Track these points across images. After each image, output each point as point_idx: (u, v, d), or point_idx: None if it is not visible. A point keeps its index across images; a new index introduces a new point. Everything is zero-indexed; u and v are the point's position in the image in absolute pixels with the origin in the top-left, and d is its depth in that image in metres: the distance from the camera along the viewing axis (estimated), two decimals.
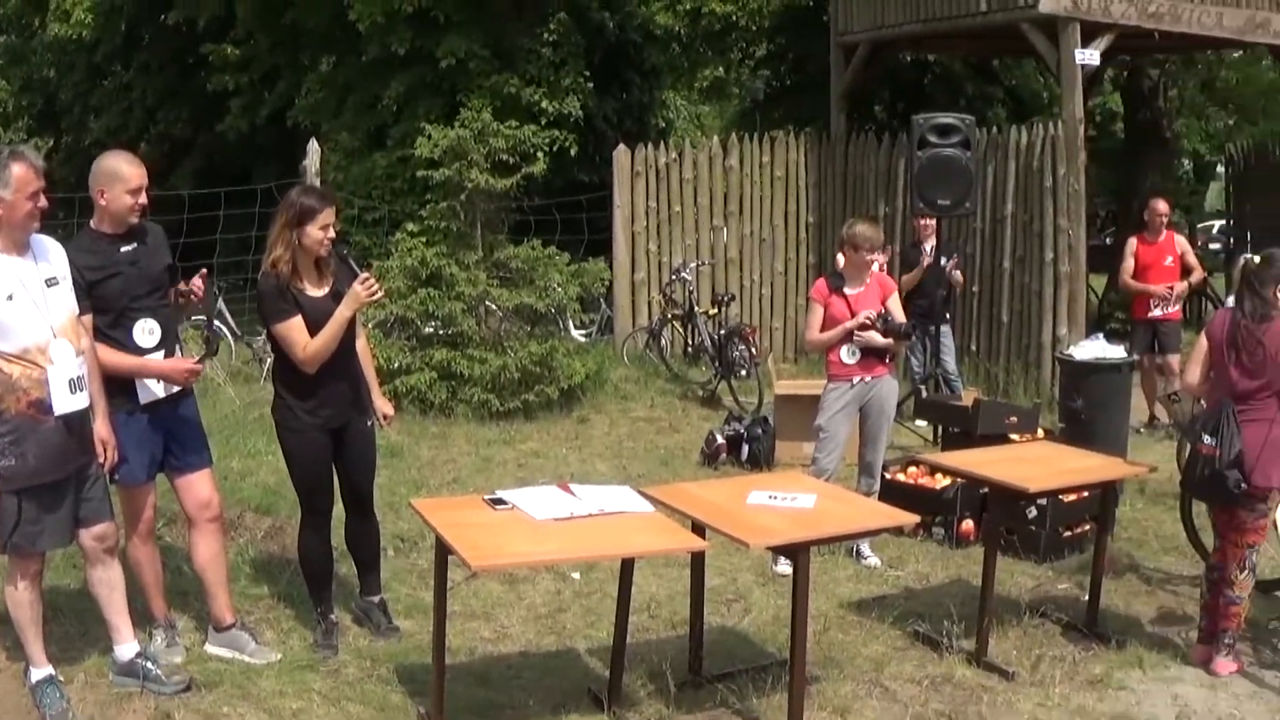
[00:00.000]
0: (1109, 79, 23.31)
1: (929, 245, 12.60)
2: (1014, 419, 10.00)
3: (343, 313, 6.51)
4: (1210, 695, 6.60)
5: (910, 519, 6.45)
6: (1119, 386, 9.56)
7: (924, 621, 7.38)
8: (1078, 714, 6.34)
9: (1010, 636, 7.24)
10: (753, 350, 13.99)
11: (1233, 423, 6.61)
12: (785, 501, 6.24)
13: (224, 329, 14.80)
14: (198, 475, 6.55)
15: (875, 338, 8.33)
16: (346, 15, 18.75)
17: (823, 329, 8.48)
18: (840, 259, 8.72)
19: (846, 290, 8.47)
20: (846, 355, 8.39)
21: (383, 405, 7.14)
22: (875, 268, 8.88)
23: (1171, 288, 12.49)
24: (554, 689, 6.46)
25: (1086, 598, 7.53)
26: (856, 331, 8.30)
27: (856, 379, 8.43)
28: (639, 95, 21.76)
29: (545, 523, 5.72)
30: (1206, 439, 6.67)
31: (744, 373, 13.91)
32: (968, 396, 11.22)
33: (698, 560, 6.59)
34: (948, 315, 12.92)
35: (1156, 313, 12.52)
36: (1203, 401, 7.20)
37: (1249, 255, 7.22)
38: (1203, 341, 6.97)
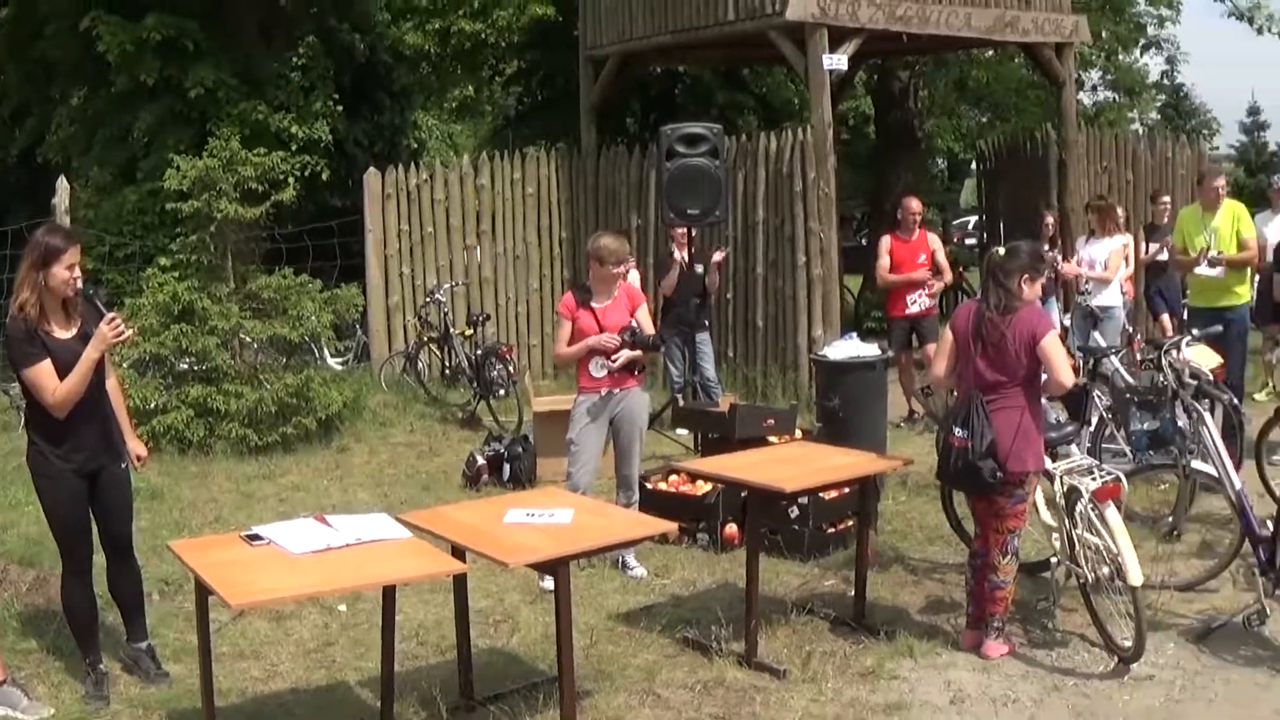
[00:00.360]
0: (861, 82, 23.92)
1: (682, 254, 12.78)
2: (771, 421, 10.19)
3: (90, 354, 6.42)
4: (983, 678, 6.84)
5: (668, 527, 6.59)
6: (874, 384, 9.77)
7: (693, 627, 7.49)
8: (851, 707, 6.50)
9: (779, 636, 7.39)
10: (510, 369, 14.03)
11: (982, 413, 6.87)
12: (543, 518, 6.31)
13: None
14: None
15: (624, 355, 8.40)
16: (95, 46, 18.25)
17: (571, 343, 8.50)
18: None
19: (594, 304, 8.54)
20: (595, 369, 8.46)
21: (136, 446, 7.05)
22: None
23: (932, 272, 12.84)
24: None
25: (853, 592, 7.74)
26: (607, 360, 8.36)
27: (605, 391, 8.50)
28: (390, 117, 21.61)
29: (303, 556, 5.69)
30: (958, 431, 6.92)
31: (502, 392, 13.95)
32: (725, 402, 11.42)
33: (460, 583, 6.60)
34: (705, 322, 13.12)
35: (913, 309, 12.89)
36: (954, 393, 7.44)
37: (996, 248, 7.49)
38: (948, 335, 7.23)
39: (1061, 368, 6.90)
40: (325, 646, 7.51)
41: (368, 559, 5.71)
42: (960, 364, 7.12)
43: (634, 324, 8.46)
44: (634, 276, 13.04)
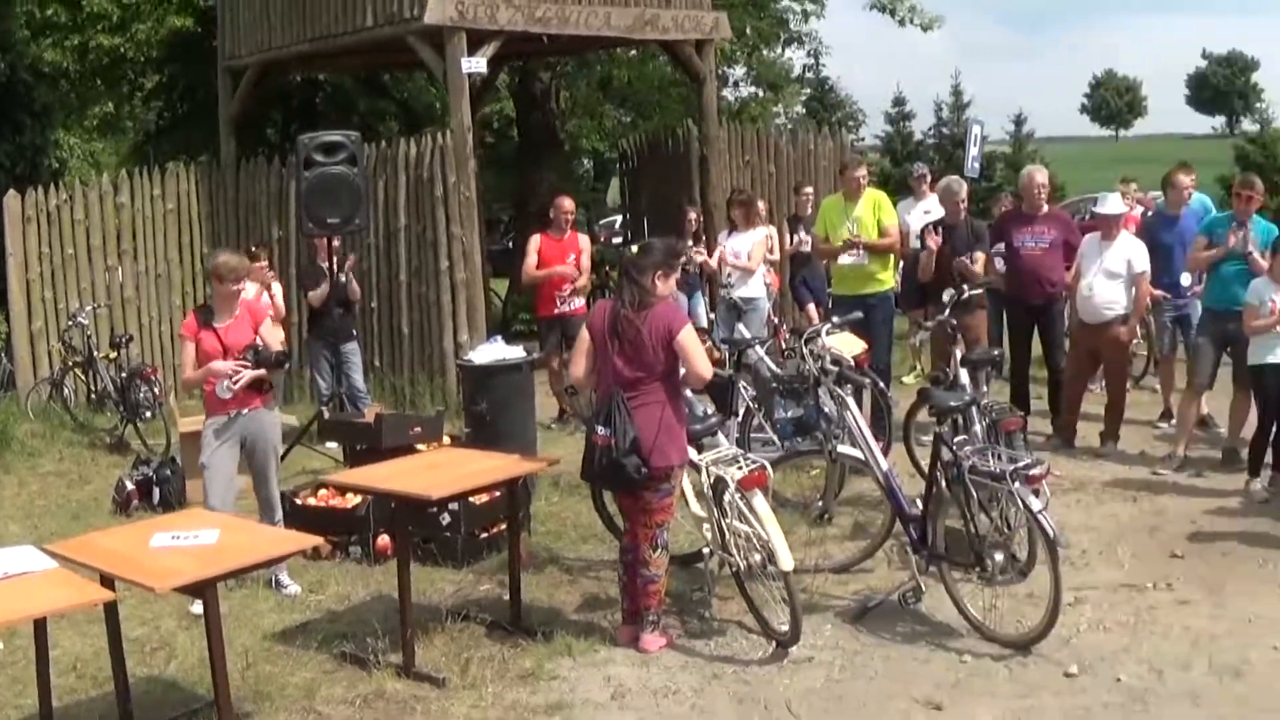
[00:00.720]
0: (503, 85, 24.10)
1: (327, 264, 12.75)
2: (418, 429, 10.21)
3: None
4: (643, 672, 7.00)
5: (313, 541, 6.60)
6: (520, 386, 9.97)
7: (350, 641, 7.47)
8: (512, 710, 6.59)
9: (437, 644, 7.43)
10: (156, 390, 13.71)
11: (624, 411, 7.01)
12: (188, 540, 6.24)
13: None
14: None
15: (246, 375, 8.26)
16: None
17: (197, 364, 8.38)
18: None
19: (216, 323, 8.39)
20: (220, 390, 8.28)
21: None
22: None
23: (580, 269, 13.07)
24: None
25: (508, 595, 7.81)
26: (230, 382, 8.23)
27: (233, 412, 8.34)
28: (32, 137, 20.73)
29: None
30: (600, 429, 7.05)
31: (149, 414, 13.61)
32: (370, 412, 11.43)
33: (111, 612, 6.42)
34: (353, 332, 13.11)
35: (563, 309, 13.01)
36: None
37: (630, 246, 7.71)
38: (584, 334, 7.35)
39: (698, 361, 7.09)
40: None
41: (13, 593, 5.56)
42: (599, 362, 7.24)
43: (257, 341, 8.34)
44: (276, 289, 12.97)
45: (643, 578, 7.27)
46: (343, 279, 12.59)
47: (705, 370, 7.17)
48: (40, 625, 6.04)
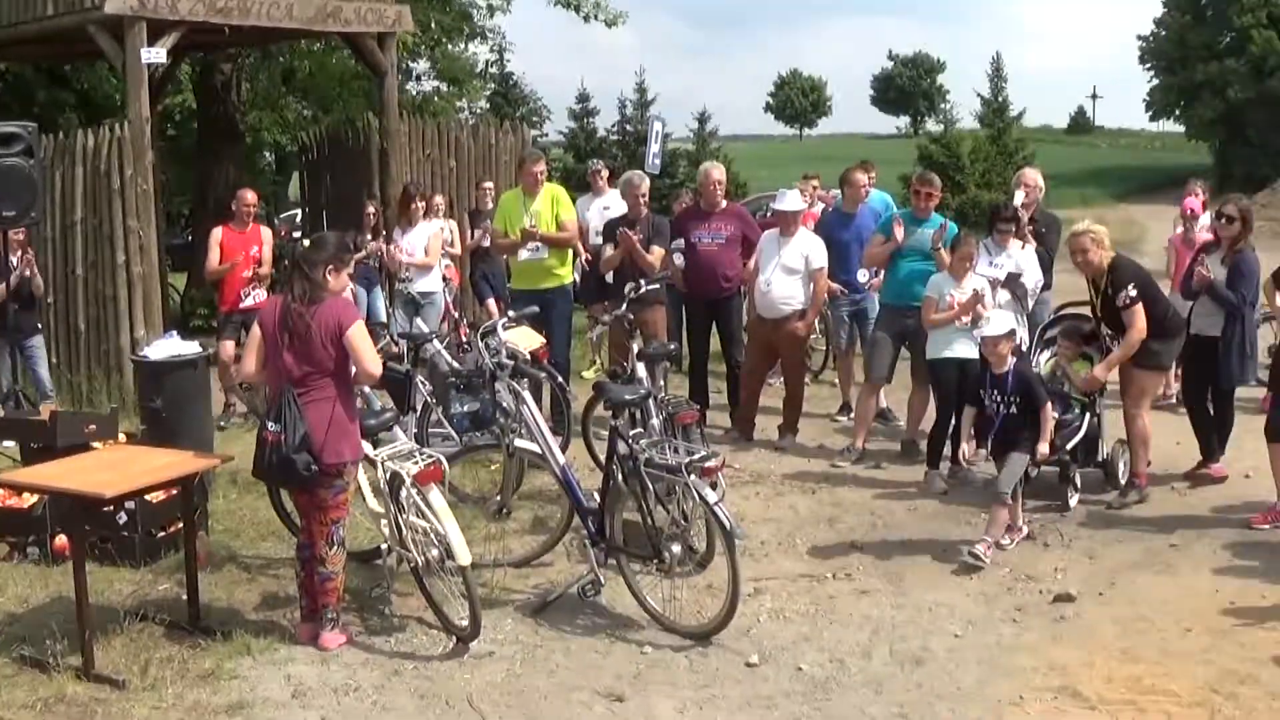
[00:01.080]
0: (186, 76, 23.63)
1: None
2: (93, 427, 9.99)
3: None
4: (323, 669, 7.07)
5: None
6: (196, 382, 9.85)
7: (28, 644, 7.35)
8: (193, 710, 6.60)
9: (116, 645, 7.37)
10: None
11: (294, 407, 7.04)
12: None
13: None
14: None
15: None
16: None
17: None
18: None
19: None
20: None
21: None
22: None
23: (259, 262, 13.03)
24: None
25: (186, 595, 7.79)
26: None
27: None
28: None
29: None
30: (271, 425, 7.06)
31: None
32: (45, 410, 11.19)
33: None
34: (38, 326, 12.87)
35: (247, 302, 12.92)
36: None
37: (301, 240, 7.74)
38: (255, 330, 7.32)
39: (367, 357, 7.15)
40: None
41: None
42: (270, 358, 7.22)
43: None
44: None
45: (320, 575, 7.34)
46: (26, 273, 12.33)
47: (374, 367, 7.23)
48: None
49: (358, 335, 7.15)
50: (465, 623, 7.26)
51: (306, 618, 7.48)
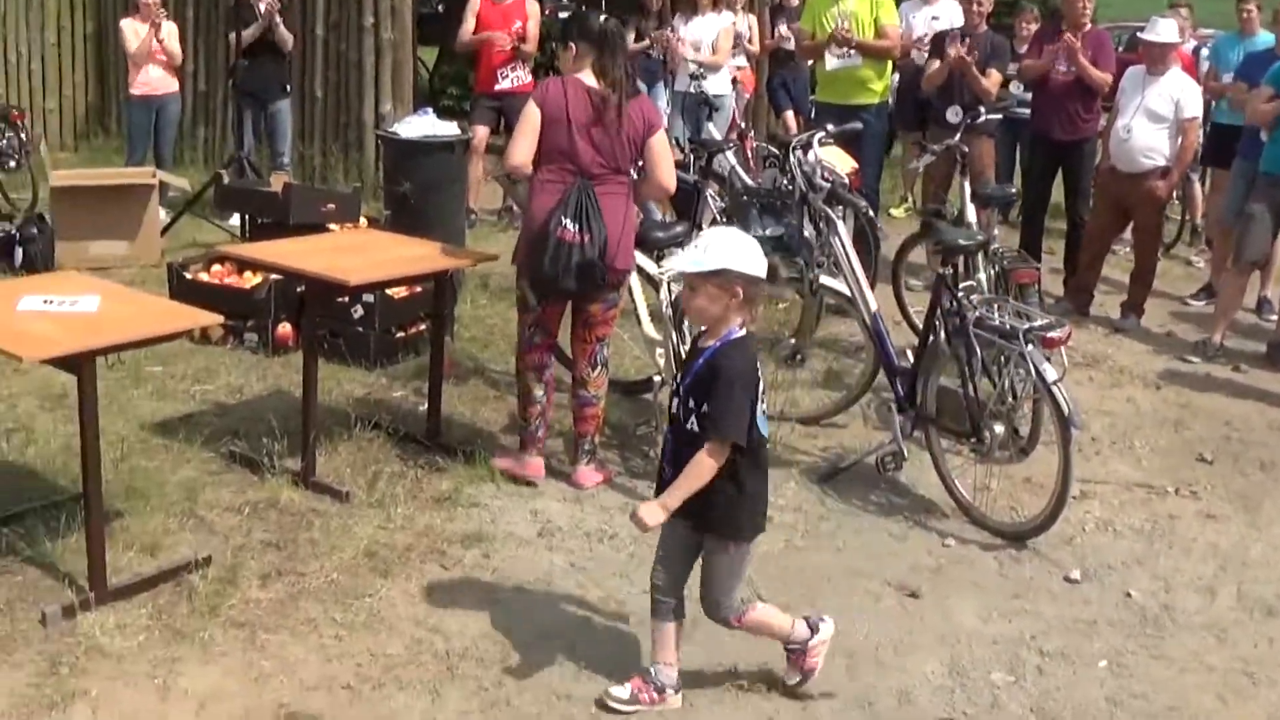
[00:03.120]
0: None
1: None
2: (332, 206, 10.03)
3: None
4: (575, 510, 6.93)
5: (212, 319, 6.37)
6: (451, 168, 9.73)
7: (241, 440, 7.38)
8: (425, 536, 6.51)
9: (341, 453, 7.35)
10: (22, 136, 13.44)
11: (595, 204, 6.82)
12: (63, 306, 6.00)
13: None
14: None
15: None
16: None
17: None
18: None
19: None
20: None
21: None
22: None
23: (522, 38, 12.76)
24: None
25: (426, 406, 7.72)
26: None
27: None
28: None
29: None
30: (568, 223, 6.81)
31: (13, 164, 13.38)
32: (278, 181, 11.20)
33: None
34: (287, 87, 12.96)
35: (504, 85, 12.75)
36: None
37: (603, 16, 7.41)
38: (533, 113, 6.91)
39: (667, 168, 7.00)
40: None
41: None
42: (556, 147, 6.89)
43: None
44: (169, 29, 12.66)
45: (580, 398, 7.20)
46: (277, 20, 12.36)
47: (671, 180, 7.06)
48: None
49: (662, 141, 6.97)
50: None
51: (525, 445, 7.28)
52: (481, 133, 12.60)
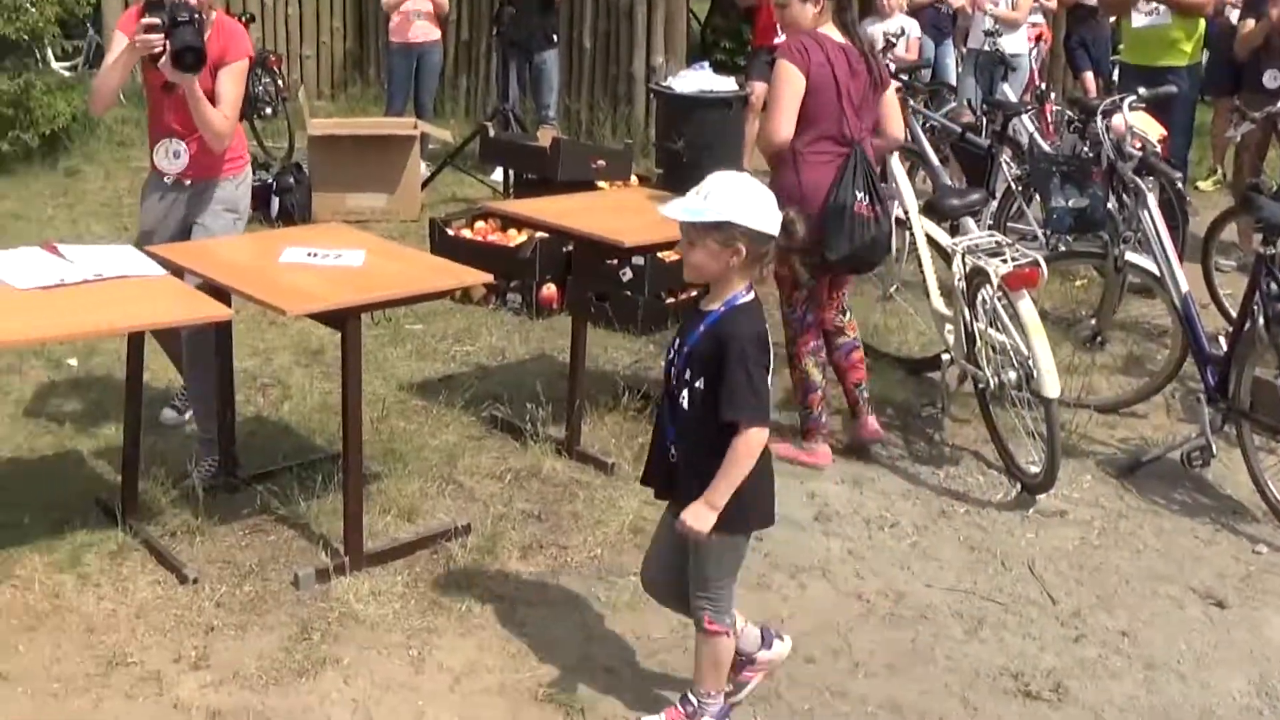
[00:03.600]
0: None
1: None
2: (602, 162, 10.03)
3: None
4: (854, 494, 6.83)
5: (482, 277, 6.37)
6: (728, 126, 9.67)
7: (503, 405, 7.42)
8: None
9: (607, 422, 7.36)
10: (280, 83, 13.66)
11: (874, 172, 6.75)
12: (328, 259, 6.06)
13: None
14: None
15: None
16: None
17: None
18: None
19: None
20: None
21: None
22: None
23: None
24: (54, 501, 6.25)
25: None
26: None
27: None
28: None
29: (28, 292, 5.39)
30: (862, 196, 6.72)
31: (270, 111, 13.60)
32: (545, 136, 11.25)
33: (223, 336, 6.38)
34: (554, 37, 13.02)
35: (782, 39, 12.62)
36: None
37: None
38: (794, 76, 6.70)
39: (898, 119, 7.09)
40: (51, 408, 7.33)
41: (111, 299, 5.40)
42: (820, 115, 6.74)
43: None
44: None
45: (842, 349, 7.20)
46: None
47: (903, 132, 7.15)
48: (136, 340, 5.93)
49: (894, 94, 7.04)
50: (1037, 469, 6.82)
51: (809, 433, 7.17)
52: (760, 89, 12.44)
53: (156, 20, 6.00)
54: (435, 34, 13.15)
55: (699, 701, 4.81)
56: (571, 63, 14.63)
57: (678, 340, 4.69)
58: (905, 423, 7.68)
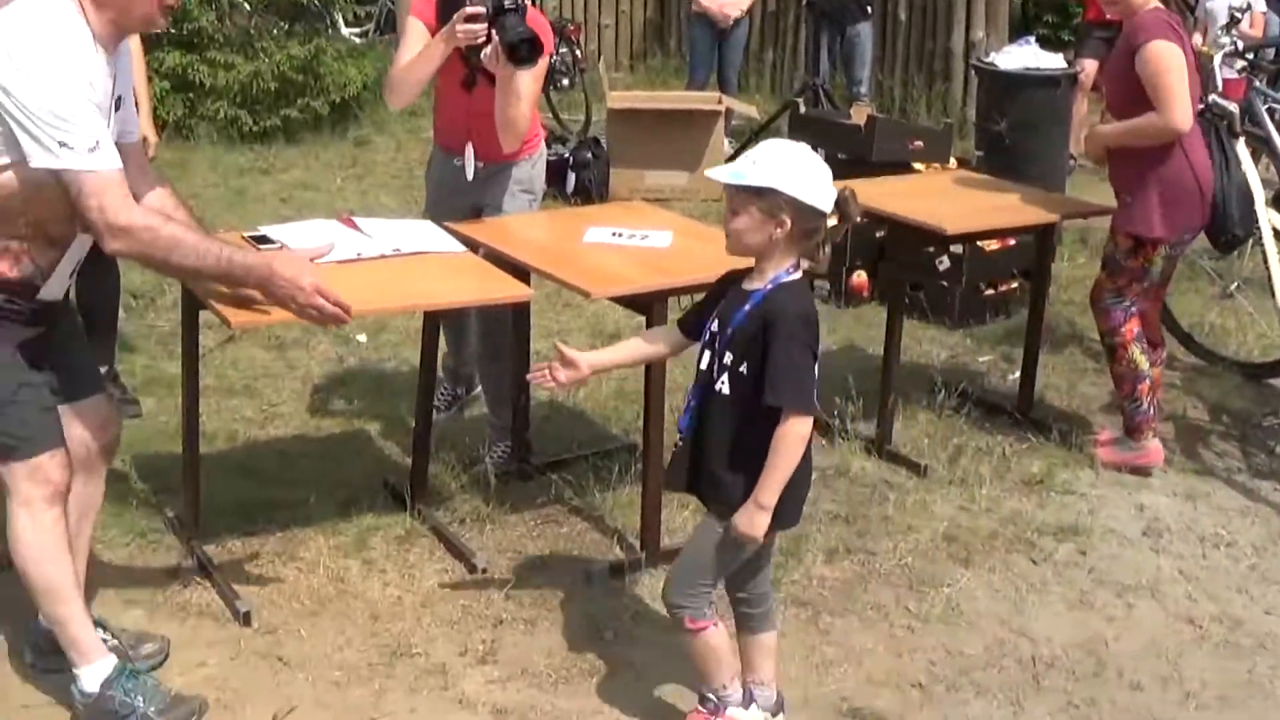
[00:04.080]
0: None
1: None
2: (919, 143, 9.92)
3: None
4: (1187, 508, 6.65)
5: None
6: (1056, 106, 9.54)
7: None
8: (1012, 523, 6.36)
9: (920, 420, 7.29)
10: (577, 53, 13.76)
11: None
12: (633, 239, 6.07)
13: None
14: None
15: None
16: None
17: None
18: None
19: None
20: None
21: (147, 130, 6.84)
22: None
23: None
24: (341, 482, 6.39)
25: (1017, 375, 7.58)
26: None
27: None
28: None
29: (325, 266, 5.46)
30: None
31: (566, 82, 13.72)
32: (859, 114, 11.15)
33: (520, 315, 6.45)
34: (869, 9, 12.90)
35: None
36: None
37: None
38: (1181, 60, 6.52)
39: None
40: (339, 385, 7.48)
41: (409, 275, 5.46)
42: (1193, 96, 6.57)
43: None
44: None
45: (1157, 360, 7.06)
46: None
47: None
48: (432, 320, 6.05)
49: None
50: None
51: (1136, 430, 6.98)
52: (1090, 68, 12.27)
53: (480, 9, 5.86)
54: (743, 2, 13.12)
55: (718, 697, 4.71)
56: (885, 36, 14.56)
57: (717, 320, 4.50)
58: (1244, 433, 7.44)
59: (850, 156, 9.95)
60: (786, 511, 4.48)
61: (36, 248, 4.36)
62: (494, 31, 5.83)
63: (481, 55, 5.95)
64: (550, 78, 13.41)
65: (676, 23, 16.37)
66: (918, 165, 9.61)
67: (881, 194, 7.25)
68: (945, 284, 8.71)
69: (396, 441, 6.79)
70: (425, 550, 5.89)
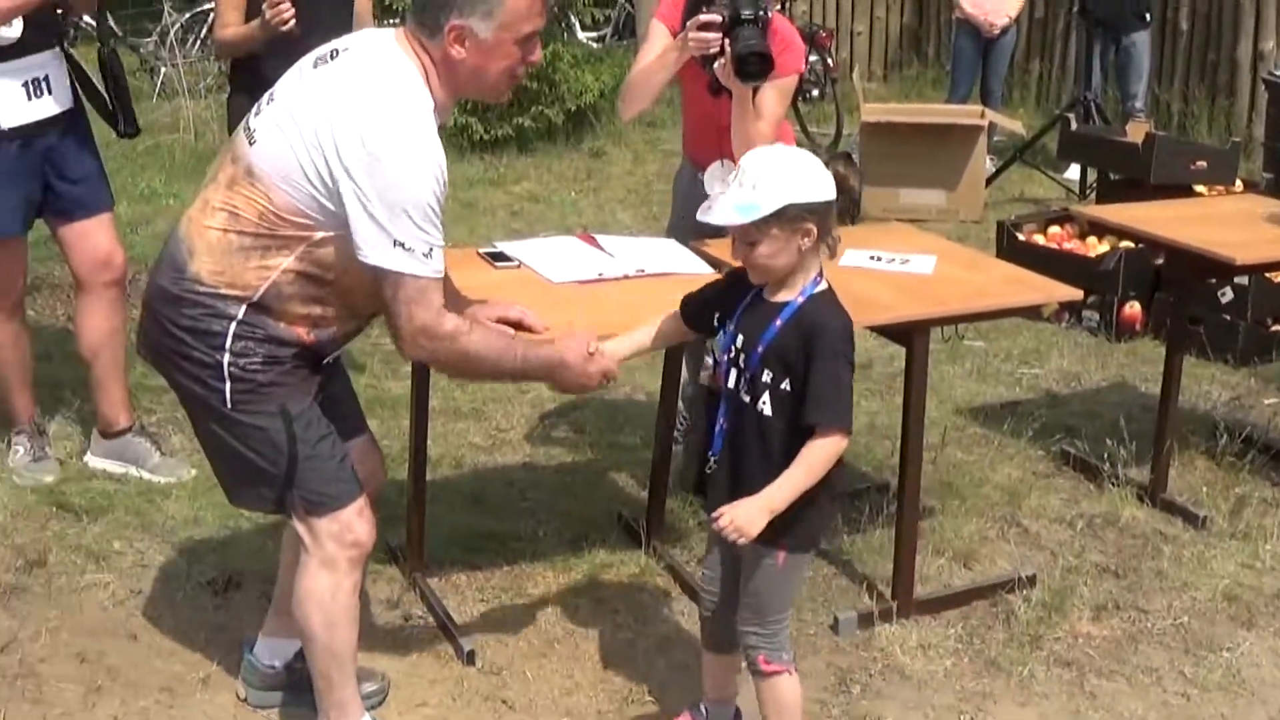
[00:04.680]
0: None
1: None
2: (1203, 163, 9.79)
3: None
4: None
5: (1071, 293, 6.18)
6: None
7: (1076, 440, 7.28)
8: None
9: (1198, 467, 7.15)
10: (829, 62, 13.76)
11: None
12: (893, 264, 5.99)
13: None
14: (94, 222, 6.43)
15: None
16: None
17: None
18: None
19: None
20: None
21: None
22: None
23: None
24: (572, 514, 6.43)
25: None
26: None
27: None
28: None
29: (565, 286, 5.47)
30: None
31: (815, 92, 13.72)
32: (1136, 131, 11.00)
33: None
34: (1147, 16, 12.76)
35: None
36: None
37: None
38: None
39: None
40: (571, 411, 7.52)
41: (654, 298, 5.31)
42: None
43: None
44: None
45: None
46: None
47: None
48: (674, 349, 6.02)
49: None
50: None
51: None
52: None
53: (716, 17, 5.81)
54: (1011, 10, 13.00)
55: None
56: (1164, 46, 14.39)
57: (740, 337, 4.39)
58: None
59: (1126, 177, 9.87)
60: (802, 532, 4.39)
61: (340, 318, 4.39)
62: (727, 42, 5.79)
63: (715, 66, 5.93)
64: (799, 87, 13.42)
65: (935, 29, 16.33)
66: (1199, 188, 9.48)
67: (1161, 218, 7.16)
68: (1228, 318, 8.55)
69: (631, 473, 6.81)
70: (660, 590, 5.89)
